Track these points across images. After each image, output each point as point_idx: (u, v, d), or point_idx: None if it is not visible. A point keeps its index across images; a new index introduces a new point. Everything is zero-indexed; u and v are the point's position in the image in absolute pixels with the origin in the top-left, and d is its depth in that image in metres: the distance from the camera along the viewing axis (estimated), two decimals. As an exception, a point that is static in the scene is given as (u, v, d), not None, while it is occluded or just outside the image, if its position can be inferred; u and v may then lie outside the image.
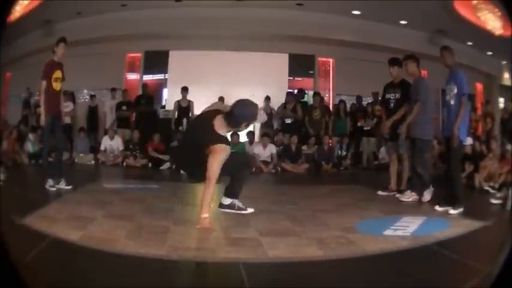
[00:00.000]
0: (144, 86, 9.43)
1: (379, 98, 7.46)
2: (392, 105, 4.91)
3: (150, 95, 9.17)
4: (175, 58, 10.16)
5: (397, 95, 4.87)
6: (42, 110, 4.66)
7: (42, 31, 9.24)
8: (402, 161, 4.99)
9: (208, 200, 3.13)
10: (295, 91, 9.33)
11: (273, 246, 2.68)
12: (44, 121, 4.63)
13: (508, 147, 5.93)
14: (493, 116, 8.38)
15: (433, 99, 4.66)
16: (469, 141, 5.87)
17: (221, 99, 9.34)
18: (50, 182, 4.58)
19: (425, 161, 4.67)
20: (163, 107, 9.99)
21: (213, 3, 8.92)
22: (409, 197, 4.57)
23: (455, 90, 4.04)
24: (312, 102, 9.09)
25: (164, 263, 2.38)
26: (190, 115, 8.51)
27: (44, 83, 4.62)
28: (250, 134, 8.24)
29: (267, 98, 8.89)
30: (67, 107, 8.18)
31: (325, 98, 9.82)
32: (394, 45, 9.15)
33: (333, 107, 9.62)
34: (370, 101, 8.99)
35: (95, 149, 8.47)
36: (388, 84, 5.04)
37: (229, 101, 9.84)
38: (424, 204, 4.39)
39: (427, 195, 4.46)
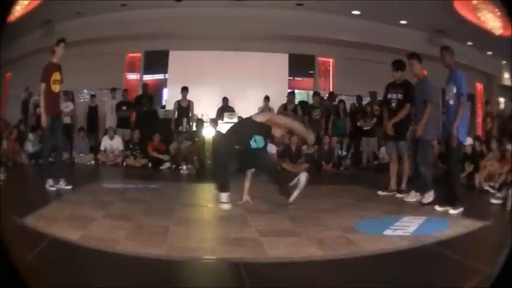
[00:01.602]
0: (144, 86, 9.43)
1: (379, 98, 7.48)
2: (394, 105, 4.91)
3: (150, 95, 9.18)
4: (175, 58, 10.16)
5: (399, 95, 4.87)
6: (42, 111, 4.66)
7: (42, 31, 9.24)
8: (402, 161, 4.99)
9: None
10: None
11: (273, 246, 2.68)
12: (45, 122, 4.63)
13: (508, 147, 5.93)
14: (493, 116, 8.39)
15: (436, 99, 4.63)
16: (468, 141, 5.87)
17: (225, 99, 9.37)
18: (50, 182, 4.58)
19: (429, 161, 4.66)
20: (163, 107, 10.00)
21: (213, 3, 8.93)
22: (414, 197, 4.56)
23: (455, 90, 4.05)
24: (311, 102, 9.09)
25: (164, 263, 2.38)
26: (190, 115, 8.53)
27: (43, 85, 4.62)
28: None
29: (266, 98, 8.89)
30: (67, 107, 8.21)
31: (325, 98, 9.81)
32: (394, 45, 9.17)
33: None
34: (368, 101, 8.99)
35: (95, 149, 8.46)
36: (390, 84, 5.04)
37: (232, 102, 9.84)
38: (425, 204, 4.38)
39: (427, 198, 4.40)
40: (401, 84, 4.91)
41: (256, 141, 3.98)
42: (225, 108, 9.23)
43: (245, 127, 4.15)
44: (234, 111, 9.18)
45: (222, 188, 3.90)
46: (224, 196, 3.86)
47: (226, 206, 3.81)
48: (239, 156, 3.94)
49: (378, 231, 3.11)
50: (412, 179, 4.85)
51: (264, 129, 4.05)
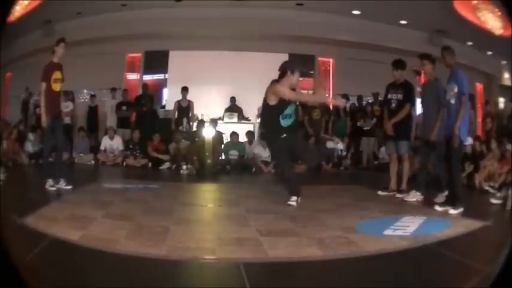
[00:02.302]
0: (144, 86, 9.43)
1: (380, 99, 7.49)
2: (394, 105, 4.92)
3: (150, 95, 9.17)
4: (175, 58, 10.15)
5: (399, 96, 4.88)
6: (42, 111, 4.66)
7: (42, 31, 9.24)
8: (402, 161, 4.99)
9: None
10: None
11: (273, 246, 2.68)
12: (45, 122, 4.63)
13: (508, 147, 5.93)
14: (493, 116, 8.38)
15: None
16: (469, 141, 5.87)
17: (232, 99, 9.37)
18: (50, 182, 4.58)
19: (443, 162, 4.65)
20: (163, 107, 9.99)
21: (213, 3, 8.92)
22: (414, 196, 4.56)
23: (456, 90, 4.05)
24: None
25: (164, 263, 2.38)
26: (190, 115, 8.53)
27: (43, 85, 4.62)
28: (249, 134, 8.24)
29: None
30: (67, 107, 8.20)
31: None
32: (394, 45, 9.17)
33: (332, 107, 9.60)
34: (370, 101, 8.99)
35: (95, 149, 8.46)
36: (390, 84, 5.04)
37: (240, 101, 9.80)
38: (425, 204, 4.38)
39: (440, 197, 4.38)
40: (402, 85, 4.91)
41: (288, 111, 4.08)
42: (233, 107, 9.23)
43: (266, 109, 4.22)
44: (241, 110, 9.18)
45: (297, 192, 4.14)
46: (294, 197, 4.09)
47: (294, 203, 4.06)
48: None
49: (378, 231, 3.12)
50: (413, 179, 4.85)
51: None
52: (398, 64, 4.93)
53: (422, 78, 4.85)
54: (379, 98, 7.97)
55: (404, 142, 4.91)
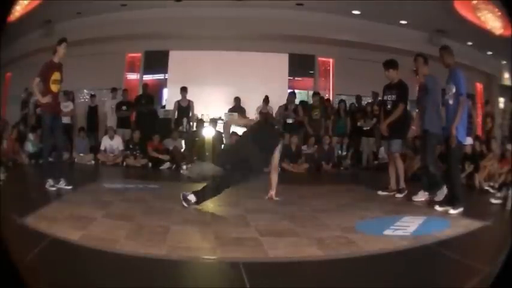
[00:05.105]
0: (144, 86, 9.43)
1: (379, 98, 7.49)
2: (389, 106, 4.94)
3: (150, 95, 9.17)
4: (175, 58, 10.16)
5: (393, 96, 4.90)
6: (40, 99, 4.62)
7: (42, 31, 9.24)
8: (394, 159, 4.97)
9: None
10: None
11: (273, 246, 2.68)
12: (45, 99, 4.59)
13: (508, 147, 5.93)
14: (493, 116, 8.37)
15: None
16: (469, 141, 5.87)
17: (237, 99, 9.33)
18: (50, 182, 4.58)
19: (436, 159, 4.63)
20: (163, 107, 10.00)
21: (213, 3, 8.93)
22: (422, 196, 4.55)
23: (454, 90, 4.05)
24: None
25: (164, 263, 2.38)
26: (190, 115, 8.53)
27: (37, 80, 4.60)
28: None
29: (265, 100, 8.88)
30: (67, 107, 8.20)
31: (325, 98, 9.82)
32: (394, 45, 9.17)
33: (331, 107, 9.61)
34: (369, 101, 9.01)
35: (95, 149, 8.46)
36: (386, 85, 5.08)
37: (232, 101, 9.68)
38: (425, 204, 4.38)
39: (440, 195, 4.38)
40: (395, 85, 4.92)
41: None
42: (237, 108, 9.22)
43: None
44: (245, 111, 9.18)
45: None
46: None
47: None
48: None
49: (378, 231, 3.12)
50: (420, 179, 4.85)
51: None
52: (389, 64, 4.94)
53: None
54: (379, 98, 7.98)
55: (397, 141, 4.90)
